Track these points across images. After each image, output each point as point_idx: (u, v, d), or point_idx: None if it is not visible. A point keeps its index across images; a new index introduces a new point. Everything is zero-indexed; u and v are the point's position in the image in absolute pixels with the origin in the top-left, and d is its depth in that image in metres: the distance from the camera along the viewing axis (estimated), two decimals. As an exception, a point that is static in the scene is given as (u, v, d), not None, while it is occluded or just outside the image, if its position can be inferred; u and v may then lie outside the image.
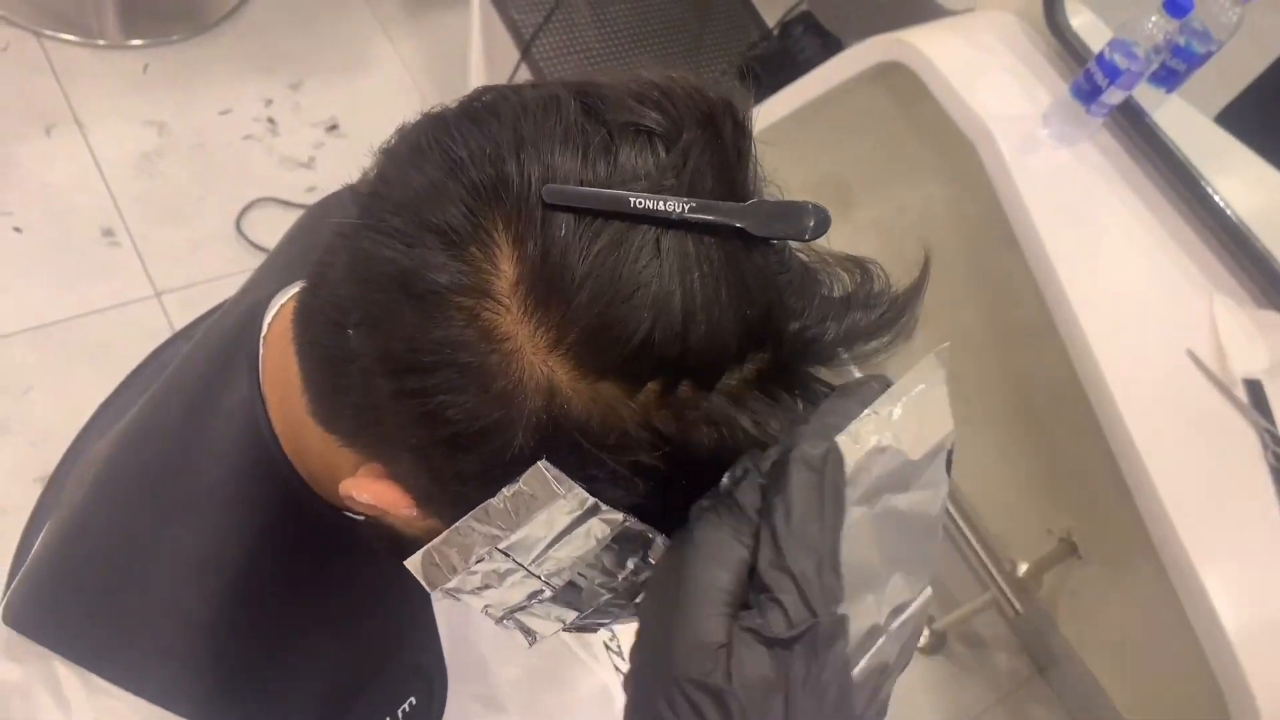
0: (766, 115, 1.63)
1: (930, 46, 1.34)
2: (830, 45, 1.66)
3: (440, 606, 0.60)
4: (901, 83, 1.40)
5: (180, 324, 1.70)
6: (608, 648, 0.77)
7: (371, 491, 0.41)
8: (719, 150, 0.38)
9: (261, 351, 0.52)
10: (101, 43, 1.98)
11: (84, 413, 0.69)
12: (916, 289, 0.41)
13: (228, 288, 0.64)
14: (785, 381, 0.40)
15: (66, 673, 0.49)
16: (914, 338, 0.42)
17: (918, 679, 1.75)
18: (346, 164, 1.83)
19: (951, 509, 1.68)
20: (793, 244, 0.41)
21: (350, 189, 0.42)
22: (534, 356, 0.36)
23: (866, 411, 0.37)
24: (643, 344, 0.36)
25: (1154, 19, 1.13)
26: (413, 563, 0.41)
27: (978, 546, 1.65)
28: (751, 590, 0.35)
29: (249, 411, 0.50)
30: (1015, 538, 1.73)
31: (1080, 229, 1.25)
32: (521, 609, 0.41)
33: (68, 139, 1.83)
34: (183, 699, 0.49)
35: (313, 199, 0.66)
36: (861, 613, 0.36)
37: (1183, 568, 1.06)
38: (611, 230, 0.36)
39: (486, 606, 0.42)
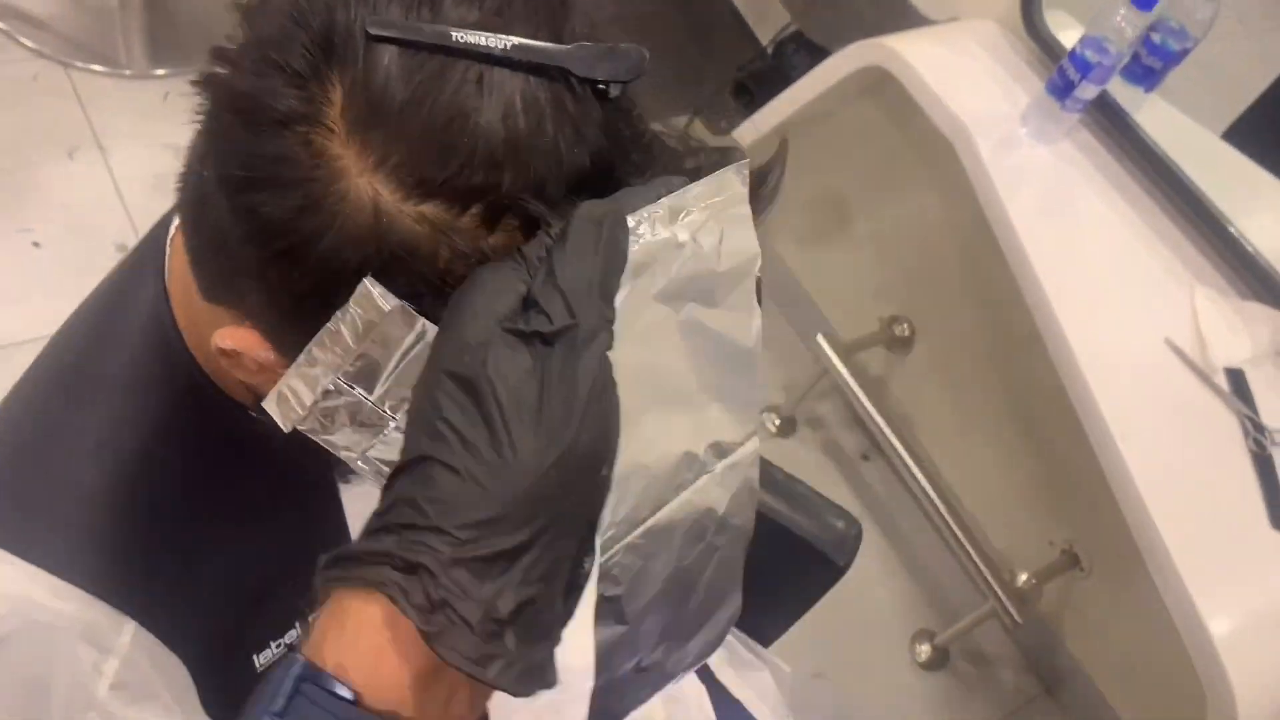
0: (760, 126, 1.66)
1: (911, 51, 1.36)
2: (821, 61, 1.69)
3: (348, 499, 0.61)
4: (891, 95, 1.42)
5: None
6: None
7: (234, 337, 0.43)
8: None
9: (169, 252, 0.54)
10: (128, 73, 2.06)
11: None
12: (770, 168, 0.43)
13: None
14: None
15: None
16: (767, 218, 0.43)
17: (921, 695, 1.73)
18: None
19: (950, 519, 1.66)
20: (662, 130, 0.43)
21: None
22: (359, 178, 0.38)
23: (662, 200, 0.39)
24: (463, 168, 0.38)
25: (1122, 12, 1.14)
26: (269, 403, 0.43)
27: (975, 557, 1.63)
28: (523, 310, 0.37)
29: (154, 306, 0.53)
30: (1016, 550, 1.70)
31: (1059, 225, 1.26)
32: (372, 448, 0.43)
33: (89, 161, 1.90)
34: (78, 571, 0.50)
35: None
36: (674, 433, 0.37)
37: (1161, 559, 1.05)
38: (435, 63, 0.38)
39: (346, 449, 0.43)
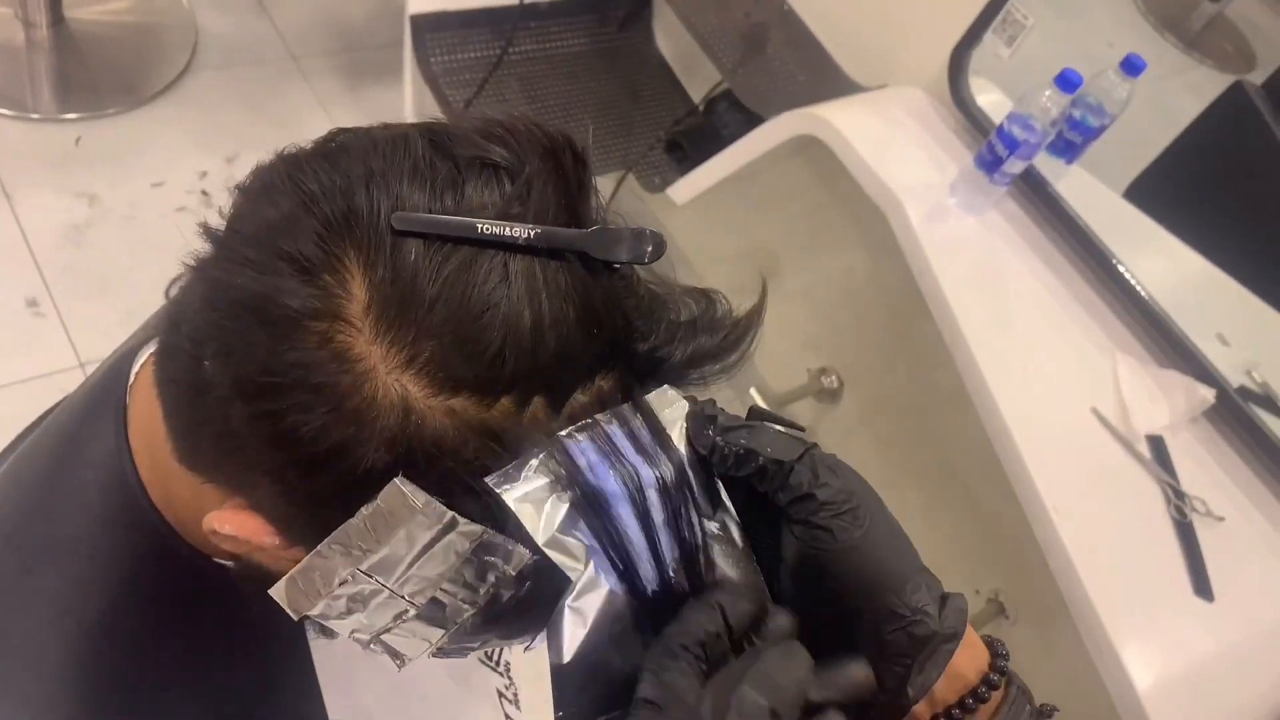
0: (693, 186, 1.68)
1: (842, 121, 1.39)
2: (753, 121, 1.71)
3: (320, 658, 0.59)
4: (821, 155, 1.45)
5: (104, 394, 1.68)
6: (502, 695, 0.76)
7: (234, 523, 0.42)
8: (561, 181, 0.40)
9: (129, 401, 0.52)
10: (35, 116, 1.98)
11: None
12: (755, 314, 0.44)
13: None
14: (631, 398, 0.42)
15: None
16: (749, 359, 0.44)
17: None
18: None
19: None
20: (642, 273, 0.43)
21: (205, 230, 0.43)
22: (387, 376, 0.37)
23: None
24: (493, 360, 0.37)
25: (1047, 93, 1.19)
26: (277, 590, 0.41)
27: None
28: None
29: (115, 459, 0.50)
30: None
31: (988, 294, 1.30)
32: (387, 630, 0.42)
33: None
34: None
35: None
36: None
37: (1090, 621, 1.08)
38: (460, 255, 0.37)
39: (354, 631, 0.42)
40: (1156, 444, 1.18)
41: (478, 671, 0.47)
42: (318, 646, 0.58)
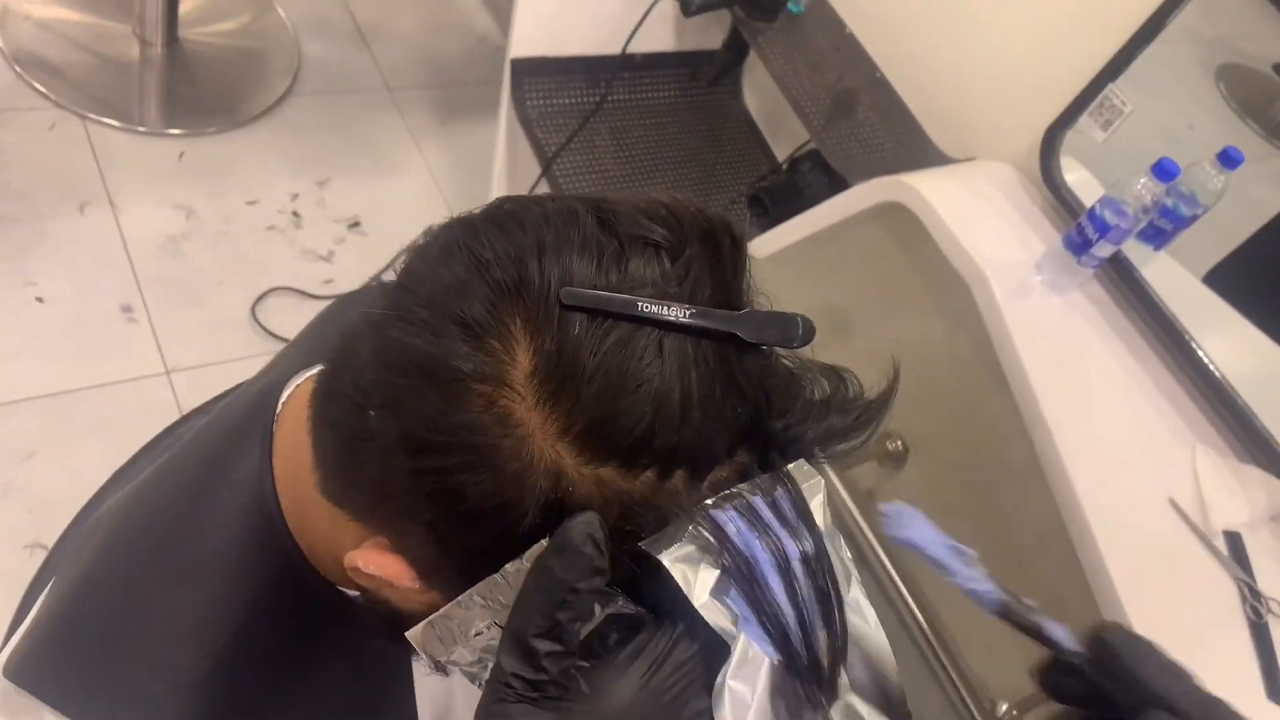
0: (774, 242, 1.70)
1: (931, 190, 1.40)
2: (835, 182, 1.73)
3: (423, 693, 0.61)
4: (902, 222, 1.47)
5: (187, 403, 1.73)
6: None
7: (378, 563, 0.44)
8: (718, 264, 0.42)
9: (275, 430, 0.55)
10: (142, 129, 2.07)
11: (84, 483, 0.71)
12: (886, 398, 0.46)
13: (238, 371, 0.67)
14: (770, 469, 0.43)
15: None
16: (875, 440, 0.46)
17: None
18: (365, 260, 1.91)
19: (935, 643, 1.67)
20: (780, 351, 0.45)
21: (377, 284, 0.46)
22: (543, 442, 0.39)
23: None
24: (643, 435, 0.39)
25: (1143, 180, 1.19)
26: (414, 634, 0.43)
27: (959, 683, 1.63)
28: None
29: (258, 485, 0.53)
30: (996, 678, 1.71)
31: (1068, 374, 1.30)
32: None
33: (99, 217, 1.90)
34: None
35: (329, 291, 0.70)
36: None
37: None
38: (620, 331, 0.39)
39: (480, 680, 0.44)
40: (1234, 540, 1.16)
41: None
42: (423, 685, 0.60)
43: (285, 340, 1.86)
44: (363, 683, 0.58)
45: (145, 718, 0.51)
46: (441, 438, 0.40)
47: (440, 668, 0.47)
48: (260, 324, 1.87)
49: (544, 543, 0.39)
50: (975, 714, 1.61)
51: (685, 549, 0.40)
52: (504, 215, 0.43)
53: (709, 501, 0.41)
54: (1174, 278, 1.41)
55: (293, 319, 1.91)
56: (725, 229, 0.43)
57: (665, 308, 0.40)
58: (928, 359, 1.81)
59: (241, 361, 1.80)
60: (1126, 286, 1.31)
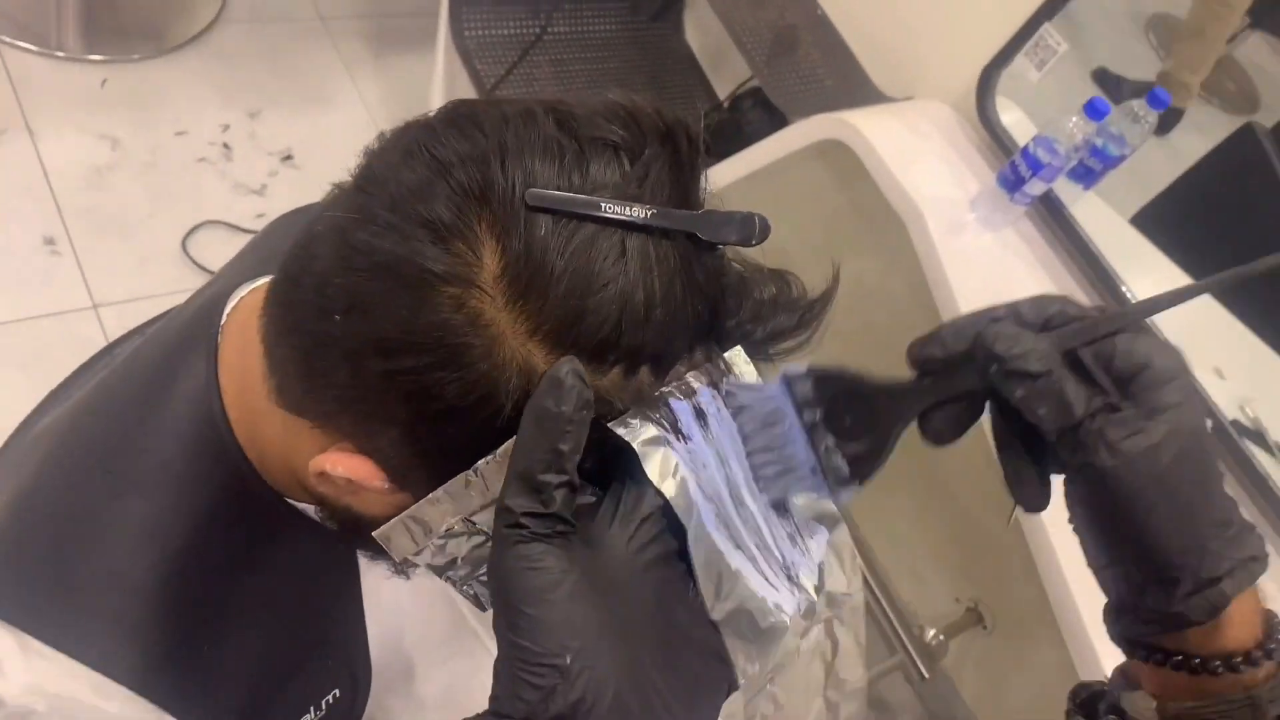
0: (714, 180, 1.70)
1: (870, 128, 1.42)
2: (776, 120, 1.74)
3: (371, 607, 0.62)
4: (841, 160, 1.48)
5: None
6: None
7: (347, 466, 0.44)
8: (676, 164, 0.43)
9: (220, 342, 0.54)
10: (60, 54, 1.98)
11: (9, 417, 0.69)
12: (828, 297, 0.47)
13: (167, 305, 0.66)
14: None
15: (3, 636, 0.50)
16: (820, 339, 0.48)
17: (824, 740, 1.78)
18: (298, 194, 1.87)
19: (866, 574, 1.73)
20: (729, 254, 0.46)
21: (332, 190, 0.46)
22: (514, 341, 0.40)
23: None
24: (610, 333, 0.40)
25: (1074, 119, 1.22)
26: (382, 532, 0.44)
27: (889, 610, 1.69)
28: None
29: (204, 396, 0.53)
30: (924, 605, 1.78)
31: (999, 309, 1.33)
32: (480, 576, 0.44)
33: (17, 145, 1.82)
34: (121, 666, 0.50)
35: (262, 225, 0.69)
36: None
37: (1075, 629, 1.12)
38: (584, 231, 0.40)
39: (448, 575, 0.44)
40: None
41: None
42: (370, 591, 0.61)
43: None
44: (314, 593, 0.58)
45: (95, 625, 0.51)
46: (415, 338, 0.40)
47: (402, 569, 0.48)
48: (191, 258, 1.82)
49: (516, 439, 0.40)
50: (905, 639, 1.67)
51: (648, 433, 0.41)
52: (462, 117, 0.43)
53: (664, 389, 0.42)
54: (1102, 218, 1.45)
55: (224, 253, 1.85)
56: (683, 129, 0.43)
57: (627, 208, 0.40)
58: (864, 298, 1.84)
59: (173, 296, 1.75)
60: (1057, 224, 1.35)
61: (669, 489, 0.40)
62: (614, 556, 0.39)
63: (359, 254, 0.41)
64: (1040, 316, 0.42)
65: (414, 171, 0.41)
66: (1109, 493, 0.40)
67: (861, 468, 0.45)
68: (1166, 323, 1.30)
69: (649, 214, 0.41)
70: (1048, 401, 0.40)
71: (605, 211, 0.40)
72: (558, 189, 0.40)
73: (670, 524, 0.41)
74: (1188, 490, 0.40)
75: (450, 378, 0.40)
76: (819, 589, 0.46)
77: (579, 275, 0.40)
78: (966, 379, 0.42)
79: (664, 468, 0.40)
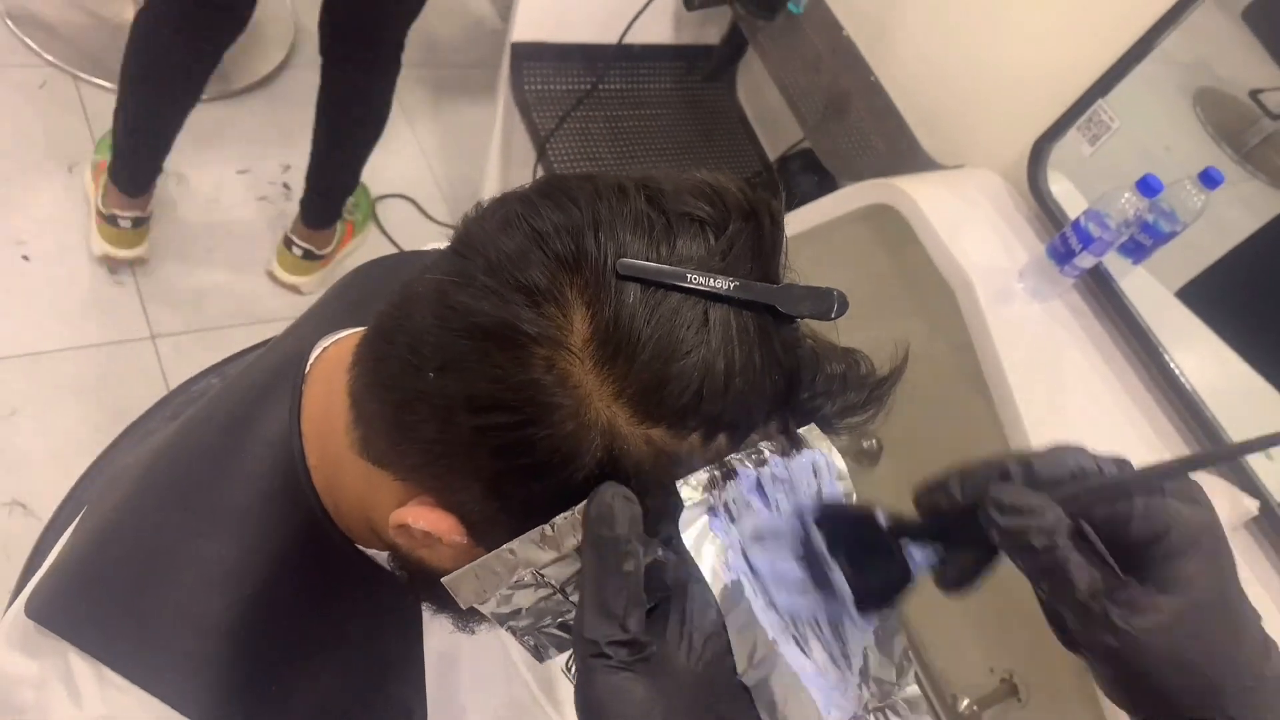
0: (761, 239, 1.73)
1: (921, 194, 1.44)
2: (823, 183, 1.76)
3: (431, 653, 0.63)
4: (890, 225, 1.50)
5: (171, 369, 1.73)
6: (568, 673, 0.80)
7: (429, 520, 0.46)
8: (758, 240, 0.45)
9: (303, 389, 0.56)
10: (134, 92, 2.05)
11: (64, 443, 0.71)
12: (896, 376, 0.49)
13: (224, 338, 0.68)
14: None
15: (81, 665, 0.52)
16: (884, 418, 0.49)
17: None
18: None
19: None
20: (803, 330, 0.48)
21: (411, 252, 0.48)
22: (600, 403, 0.42)
23: None
24: (692, 399, 0.42)
25: (1127, 195, 1.23)
26: (451, 580, 0.45)
27: (921, 678, 1.68)
28: None
29: (285, 444, 0.55)
30: (957, 674, 1.76)
31: (1045, 379, 1.33)
32: (542, 628, 0.46)
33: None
34: (191, 702, 0.52)
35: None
36: None
37: (1119, 712, 1.10)
38: (670, 301, 0.42)
39: (509, 624, 0.46)
40: (1196, 546, 1.20)
41: None
42: (429, 646, 0.62)
43: (273, 313, 1.86)
44: (379, 640, 0.60)
45: (169, 660, 0.52)
46: (506, 396, 0.42)
47: (465, 625, 0.49)
48: (250, 293, 1.87)
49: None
50: (938, 709, 1.65)
51: (697, 496, 0.42)
52: (558, 190, 0.45)
53: (735, 456, 0.44)
54: (1150, 291, 1.45)
55: (279, 291, 1.91)
56: (765, 207, 0.45)
57: (711, 279, 0.42)
58: (909, 362, 1.84)
59: (228, 330, 1.80)
60: (1105, 297, 1.35)
61: (698, 550, 0.42)
62: (685, 678, 0.40)
63: (456, 314, 0.43)
64: (1055, 473, 0.42)
65: (512, 239, 0.43)
66: (1120, 667, 0.40)
67: (874, 600, 0.46)
68: (1220, 399, 1.30)
69: (732, 286, 0.43)
70: (1050, 577, 0.40)
71: (690, 282, 0.42)
72: (646, 260, 0.42)
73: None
74: (1206, 662, 0.39)
75: (538, 435, 0.42)
76: (864, 670, 0.46)
77: (664, 342, 0.42)
78: (975, 530, 0.42)
79: (698, 530, 0.42)
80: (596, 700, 0.39)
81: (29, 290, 1.72)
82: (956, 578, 0.44)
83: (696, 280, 0.42)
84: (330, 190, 1.83)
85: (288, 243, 1.88)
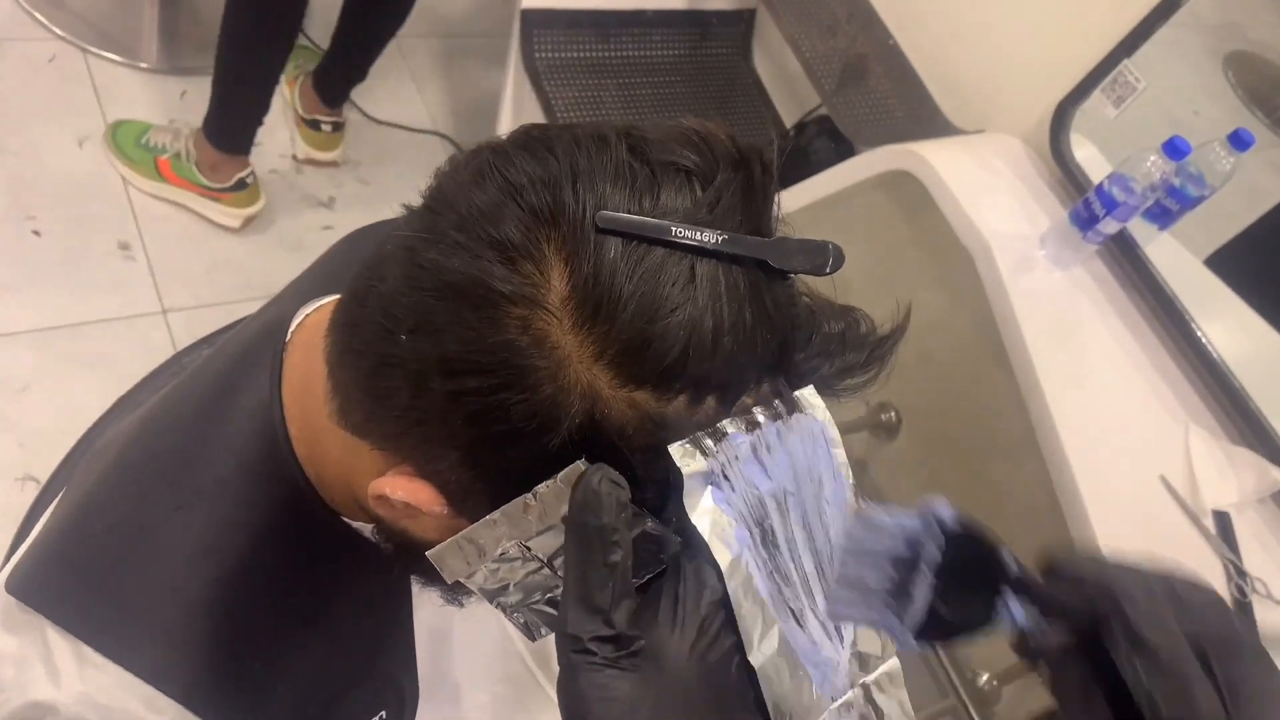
0: (781, 206, 1.69)
1: (940, 160, 1.40)
2: (841, 149, 1.73)
3: (421, 628, 0.62)
4: (909, 191, 1.46)
5: (183, 343, 1.72)
6: None
7: (407, 489, 0.44)
8: (748, 191, 0.42)
9: (284, 359, 0.55)
10: (144, 65, 2.04)
11: (76, 418, 0.70)
12: (896, 335, 0.46)
13: (235, 313, 0.66)
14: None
15: (60, 643, 0.50)
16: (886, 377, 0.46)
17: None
18: (365, 207, 1.89)
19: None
20: (798, 287, 0.45)
21: (402, 211, 0.46)
22: (580, 365, 0.39)
23: None
24: (677, 359, 0.39)
25: (1153, 158, 1.19)
26: (436, 552, 0.43)
27: (942, 655, 1.65)
28: None
29: (266, 414, 0.53)
30: (977, 648, 1.74)
31: (1067, 349, 1.30)
32: (532, 604, 0.44)
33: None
34: (172, 680, 0.50)
35: (329, 237, 0.69)
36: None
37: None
38: (653, 256, 0.40)
39: (499, 600, 0.44)
40: (1222, 520, 1.17)
41: None
42: (420, 618, 0.60)
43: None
44: (367, 613, 0.58)
45: (149, 637, 0.51)
46: (480, 359, 0.39)
47: (454, 598, 0.47)
48: (259, 267, 1.85)
49: (581, 464, 0.40)
50: (958, 684, 1.63)
51: (695, 465, 0.40)
52: (534, 140, 0.42)
53: (727, 421, 0.41)
54: (1176, 259, 1.41)
55: (290, 264, 1.89)
56: (756, 155, 0.43)
57: (698, 233, 0.40)
58: (925, 330, 1.81)
59: (240, 304, 1.79)
60: (1129, 264, 1.31)
61: (704, 525, 0.40)
62: (679, 666, 0.38)
63: (427, 273, 0.41)
64: (1183, 601, 0.39)
65: (485, 192, 0.41)
66: None
67: (939, 632, 0.42)
68: (1249, 369, 1.26)
69: (719, 239, 0.40)
70: (1175, 697, 0.37)
71: (675, 236, 0.40)
72: (628, 213, 0.40)
73: (726, 613, 0.40)
74: None
75: (514, 399, 0.39)
76: (854, 644, 0.44)
77: (647, 300, 0.39)
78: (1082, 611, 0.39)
79: (704, 504, 0.40)
80: (579, 699, 0.37)
81: (40, 265, 1.71)
82: (1035, 651, 0.41)
83: (682, 234, 0.40)
84: (350, 76, 1.96)
85: (314, 124, 1.99)
